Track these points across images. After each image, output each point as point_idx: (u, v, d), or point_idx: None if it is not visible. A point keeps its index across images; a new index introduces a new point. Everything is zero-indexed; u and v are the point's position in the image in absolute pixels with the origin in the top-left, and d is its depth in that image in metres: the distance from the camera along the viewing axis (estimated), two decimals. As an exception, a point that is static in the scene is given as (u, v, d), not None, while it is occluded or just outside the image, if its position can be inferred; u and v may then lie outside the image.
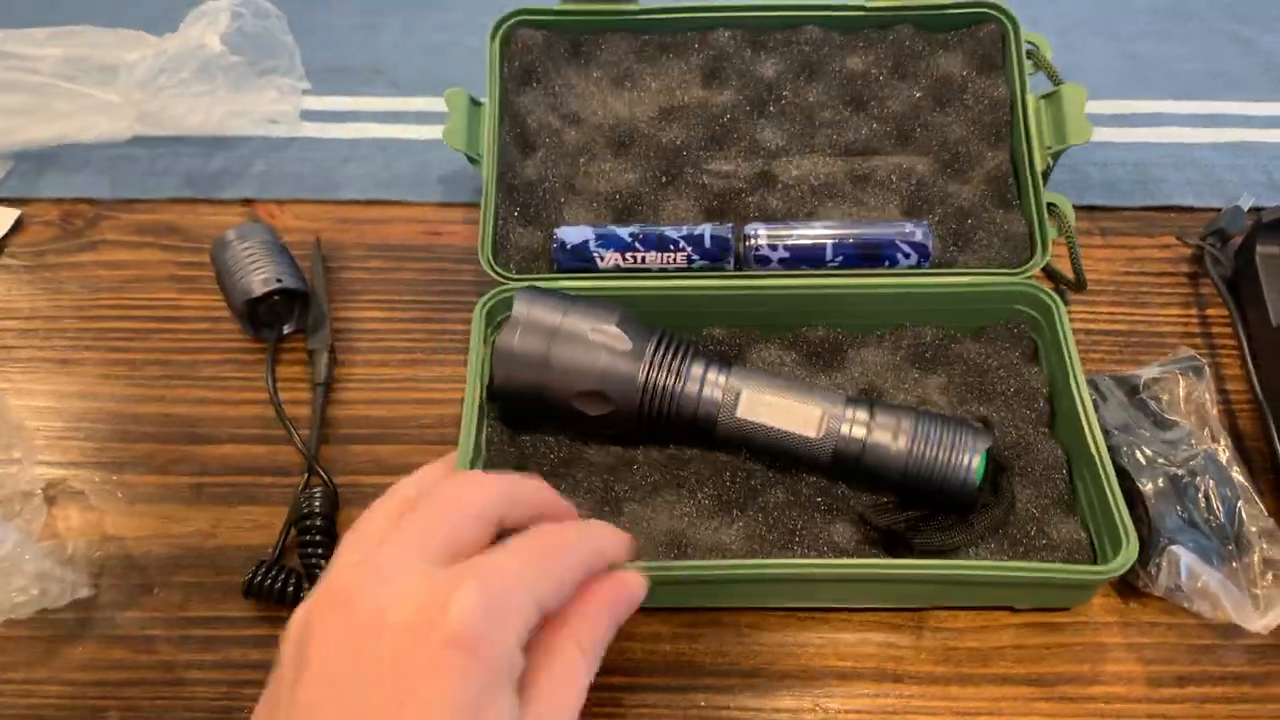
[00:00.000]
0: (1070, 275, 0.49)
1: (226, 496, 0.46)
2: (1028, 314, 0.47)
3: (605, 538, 0.33)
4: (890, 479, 0.41)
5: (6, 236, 0.55)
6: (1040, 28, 0.66)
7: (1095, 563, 0.41)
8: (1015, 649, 0.41)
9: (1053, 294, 0.46)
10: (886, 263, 0.48)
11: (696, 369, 0.42)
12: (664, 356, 0.42)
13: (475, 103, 0.51)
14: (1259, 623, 0.39)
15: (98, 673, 0.41)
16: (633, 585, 0.33)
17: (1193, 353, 0.47)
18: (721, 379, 0.42)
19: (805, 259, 0.48)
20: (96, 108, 0.58)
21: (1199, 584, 0.40)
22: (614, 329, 0.41)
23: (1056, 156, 0.50)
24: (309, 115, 0.61)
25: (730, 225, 0.49)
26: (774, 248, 0.48)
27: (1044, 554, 0.41)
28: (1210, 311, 0.52)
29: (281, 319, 0.51)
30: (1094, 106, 0.61)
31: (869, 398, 0.43)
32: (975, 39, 0.53)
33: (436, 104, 0.61)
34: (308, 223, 0.56)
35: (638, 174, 0.52)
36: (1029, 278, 0.47)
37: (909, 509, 0.42)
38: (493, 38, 0.52)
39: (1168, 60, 0.64)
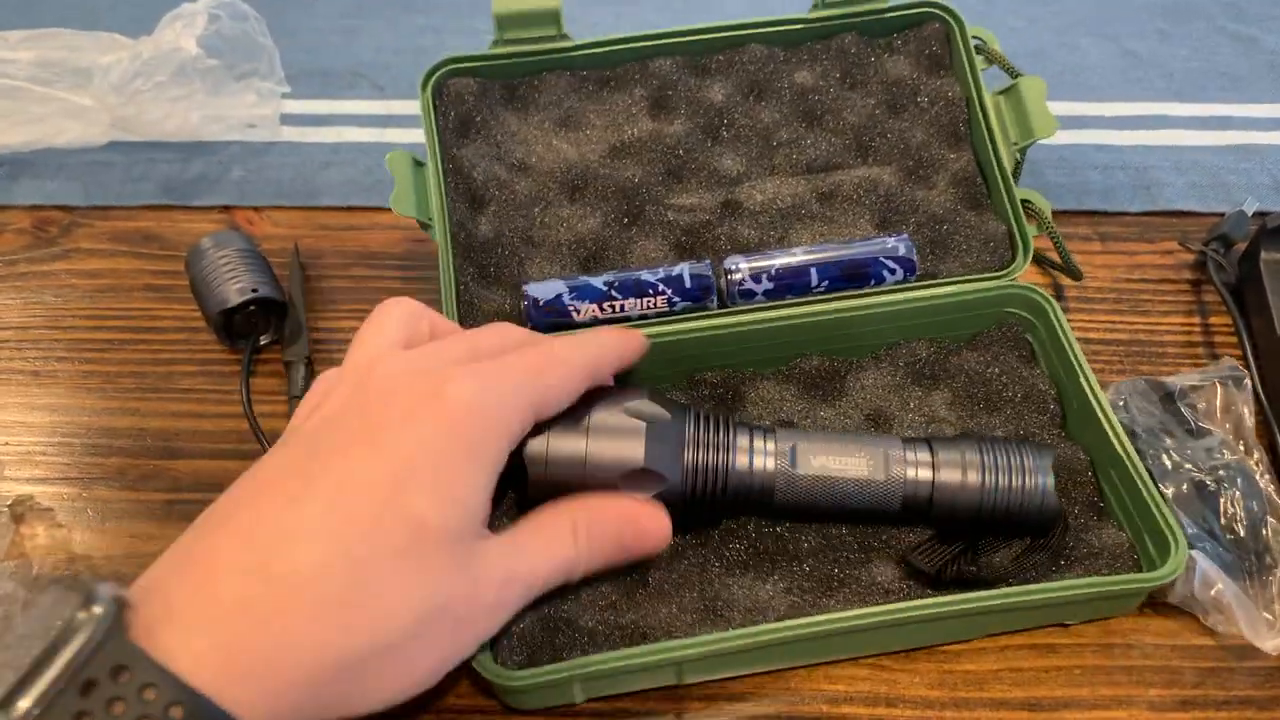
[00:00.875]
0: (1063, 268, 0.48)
1: (199, 514, 0.44)
2: (1020, 316, 0.46)
3: (604, 353, 0.37)
4: (964, 515, 0.39)
5: (-23, 245, 0.54)
6: (1038, 26, 0.65)
7: (1140, 567, 0.40)
8: (1012, 672, 0.40)
9: (1044, 292, 0.45)
10: (873, 281, 0.46)
11: (742, 439, 0.39)
12: (704, 431, 0.38)
13: (419, 163, 0.48)
14: (1271, 642, 0.38)
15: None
16: (653, 532, 0.36)
17: (1235, 363, 0.46)
18: (770, 444, 0.39)
19: (790, 288, 0.46)
20: (70, 112, 0.57)
21: (1213, 593, 0.39)
22: (647, 403, 0.38)
23: (1023, 152, 0.48)
24: (288, 119, 0.60)
25: (708, 262, 0.46)
26: (757, 280, 0.46)
27: (1088, 563, 0.40)
28: (1213, 320, 0.51)
29: (258, 329, 0.49)
30: (1094, 109, 0.60)
31: (924, 437, 0.40)
32: (920, 39, 0.51)
33: (419, 107, 0.60)
34: (286, 230, 0.55)
35: (598, 218, 0.49)
36: (1016, 279, 0.46)
37: (955, 541, 0.39)
38: (423, 89, 0.48)
39: (1168, 60, 0.63)
